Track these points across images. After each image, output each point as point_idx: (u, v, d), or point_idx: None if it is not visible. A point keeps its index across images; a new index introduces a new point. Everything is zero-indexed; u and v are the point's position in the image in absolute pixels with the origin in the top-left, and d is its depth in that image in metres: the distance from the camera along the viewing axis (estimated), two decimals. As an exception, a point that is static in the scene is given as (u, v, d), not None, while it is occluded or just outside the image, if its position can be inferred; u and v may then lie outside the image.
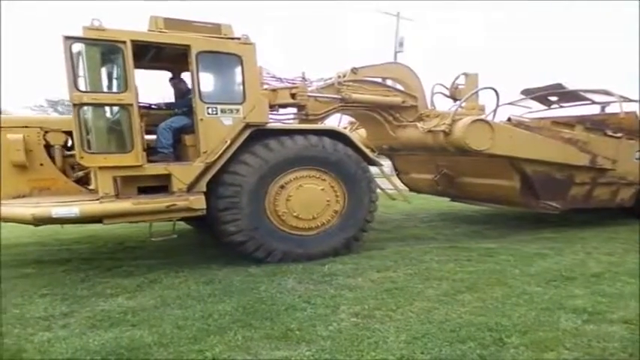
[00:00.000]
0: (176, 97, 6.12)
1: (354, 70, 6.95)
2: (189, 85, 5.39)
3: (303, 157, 5.49)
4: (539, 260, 5.52)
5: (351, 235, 5.88)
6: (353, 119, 8.42)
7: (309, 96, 6.48)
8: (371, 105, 7.13)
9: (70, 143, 5.58)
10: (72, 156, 5.46)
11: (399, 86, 7.66)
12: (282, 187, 5.44)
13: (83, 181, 5.61)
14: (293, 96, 6.32)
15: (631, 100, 8.22)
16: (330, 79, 6.91)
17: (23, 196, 5.21)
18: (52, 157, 5.43)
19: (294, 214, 5.52)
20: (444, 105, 8.21)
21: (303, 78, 6.66)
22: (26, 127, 5.35)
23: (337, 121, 8.08)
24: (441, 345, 3.21)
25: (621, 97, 8.06)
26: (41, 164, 5.36)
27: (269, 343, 3.27)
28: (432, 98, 7.90)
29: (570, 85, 8.78)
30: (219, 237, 5.45)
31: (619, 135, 7.66)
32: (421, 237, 7.13)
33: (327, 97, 6.69)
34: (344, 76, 6.88)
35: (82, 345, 3.25)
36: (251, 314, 3.80)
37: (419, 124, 7.00)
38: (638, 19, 47.56)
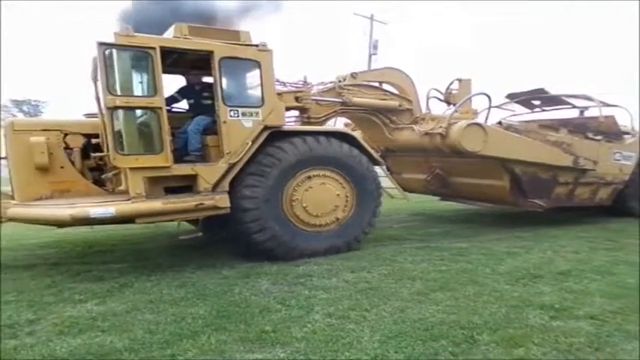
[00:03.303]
0: (196, 100, 6.08)
1: (353, 75, 7.32)
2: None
3: (327, 158, 5.76)
4: (509, 259, 5.65)
5: (354, 236, 6.10)
6: (349, 121, 8.66)
7: (313, 99, 6.71)
8: (370, 108, 7.44)
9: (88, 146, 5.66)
10: (90, 158, 5.59)
11: (387, 87, 7.87)
12: (307, 178, 5.66)
13: (100, 183, 5.69)
14: (297, 99, 6.56)
15: (610, 105, 8.69)
16: (330, 83, 7.18)
17: (46, 199, 5.26)
18: (71, 160, 5.51)
19: (306, 207, 5.69)
20: (437, 109, 8.53)
21: (305, 82, 6.88)
22: (46, 129, 5.43)
23: (333, 123, 8.27)
24: (414, 344, 3.25)
25: (601, 102, 8.51)
26: (62, 167, 5.46)
27: (243, 346, 3.24)
28: (428, 102, 8.26)
29: (552, 90, 9.19)
30: (231, 208, 5.38)
31: (599, 137, 8.14)
32: (396, 237, 7.20)
33: (329, 101, 6.96)
34: (344, 80, 7.17)
35: (50, 352, 3.16)
36: (225, 317, 3.76)
37: (415, 127, 7.33)
38: (638, 19, 49.11)
